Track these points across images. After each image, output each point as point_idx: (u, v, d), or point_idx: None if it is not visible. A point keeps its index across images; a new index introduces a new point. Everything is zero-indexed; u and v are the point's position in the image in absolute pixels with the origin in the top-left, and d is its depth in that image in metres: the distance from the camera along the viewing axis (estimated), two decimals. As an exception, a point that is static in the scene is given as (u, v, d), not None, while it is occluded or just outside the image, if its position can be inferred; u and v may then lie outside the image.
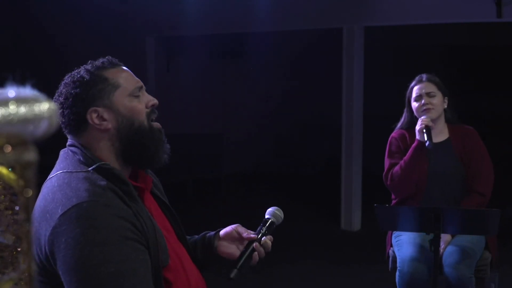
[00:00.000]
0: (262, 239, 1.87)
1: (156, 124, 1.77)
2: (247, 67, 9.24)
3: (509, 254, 4.63)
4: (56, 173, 1.66)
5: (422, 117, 3.27)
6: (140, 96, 1.75)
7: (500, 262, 3.43)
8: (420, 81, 3.38)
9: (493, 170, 3.35)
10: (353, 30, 6.24)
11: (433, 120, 3.30)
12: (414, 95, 3.36)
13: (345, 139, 6.48)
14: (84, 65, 1.74)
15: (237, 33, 7.85)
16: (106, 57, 1.76)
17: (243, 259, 1.84)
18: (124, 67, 1.78)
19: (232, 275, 1.81)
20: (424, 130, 3.20)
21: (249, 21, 6.82)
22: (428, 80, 3.37)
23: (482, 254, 3.22)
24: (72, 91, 1.67)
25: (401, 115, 3.50)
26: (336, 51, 6.56)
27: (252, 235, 1.88)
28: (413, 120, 3.39)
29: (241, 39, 8.76)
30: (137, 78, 1.78)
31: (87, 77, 1.68)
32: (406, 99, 3.43)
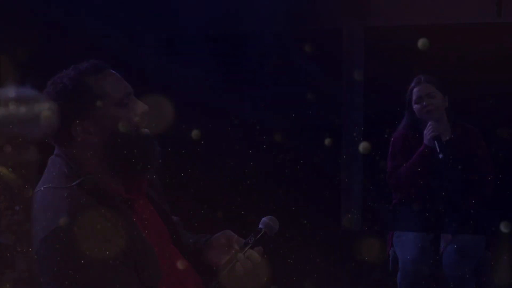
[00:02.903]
0: (248, 250, 1.75)
1: (144, 131, 1.67)
2: (247, 67, 9.23)
3: (509, 254, 4.62)
4: (42, 186, 1.57)
5: (429, 127, 3.24)
6: (129, 104, 1.65)
7: (500, 262, 3.42)
8: (418, 83, 3.36)
9: (494, 170, 3.34)
10: (353, 30, 6.24)
11: (437, 120, 3.27)
12: (414, 97, 3.35)
13: (345, 139, 6.47)
14: (67, 71, 1.61)
15: (237, 33, 7.84)
16: (91, 61, 1.65)
17: (225, 270, 1.74)
18: (111, 71, 1.67)
19: (211, 286, 1.73)
20: (436, 141, 3.18)
21: (249, 21, 6.81)
22: (426, 81, 3.36)
23: (483, 254, 3.21)
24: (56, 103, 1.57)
25: (400, 115, 3.48)
26: (336, 51, 6.55)
27: (237, 246, 1.77)
28: (414, 123, 3.37)
29: (241, 39, 8.75)
30: (125, 83, 1.67)
31: (70, 86, 1.55)
32: (407, 101, 3.40)
